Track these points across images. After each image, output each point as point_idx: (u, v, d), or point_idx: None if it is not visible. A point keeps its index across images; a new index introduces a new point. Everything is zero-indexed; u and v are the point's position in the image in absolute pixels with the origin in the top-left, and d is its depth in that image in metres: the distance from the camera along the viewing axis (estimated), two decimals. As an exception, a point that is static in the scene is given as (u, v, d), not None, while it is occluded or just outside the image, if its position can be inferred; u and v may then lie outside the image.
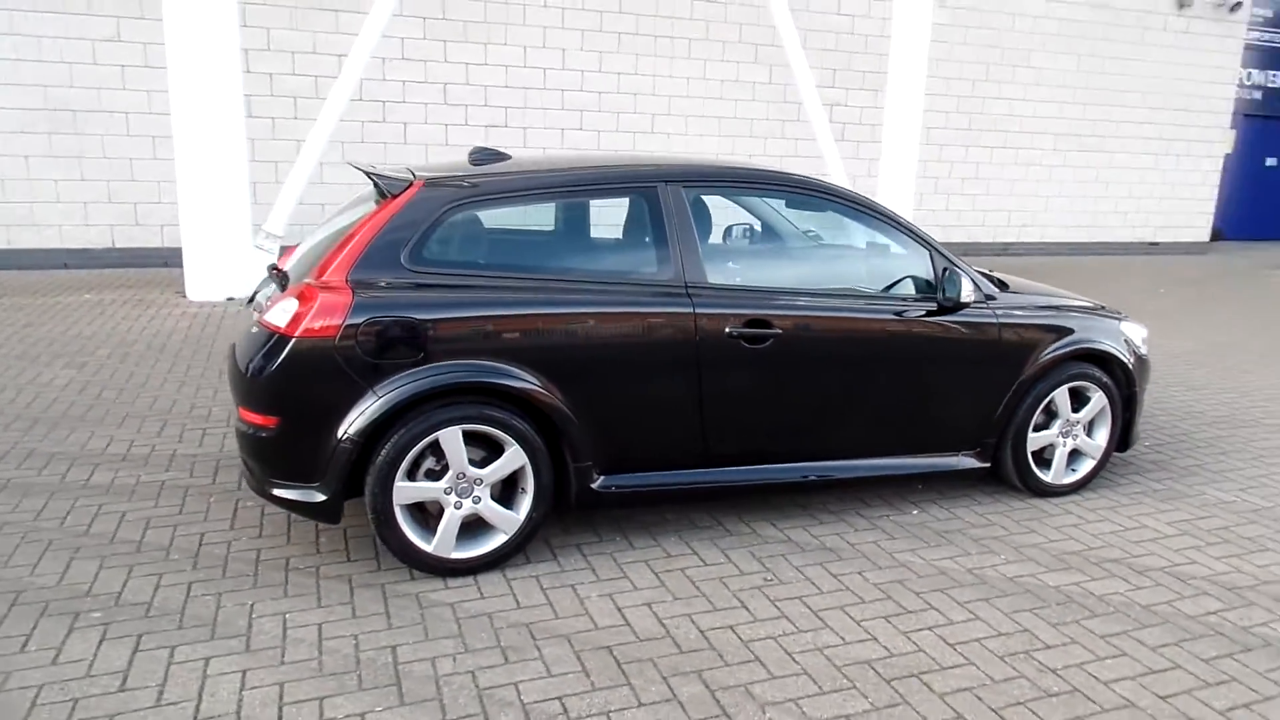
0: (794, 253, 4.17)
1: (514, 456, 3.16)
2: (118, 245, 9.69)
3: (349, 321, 2.95)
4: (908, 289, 3.77)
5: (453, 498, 3.13)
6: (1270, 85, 17.17)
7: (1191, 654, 2.88)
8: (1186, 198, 15.01)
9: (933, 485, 4.20)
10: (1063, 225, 14.05)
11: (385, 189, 3.24)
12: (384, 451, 3.01)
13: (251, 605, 2.98)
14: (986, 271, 4.16)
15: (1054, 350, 3.94)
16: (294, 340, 2.94)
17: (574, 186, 3.42)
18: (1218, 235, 16.13)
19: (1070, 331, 4.00)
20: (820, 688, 2.62)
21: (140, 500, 3.78)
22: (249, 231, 8.22)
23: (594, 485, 3.32)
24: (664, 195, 3.42)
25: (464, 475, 3.12)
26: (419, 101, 10.39)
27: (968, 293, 3.70)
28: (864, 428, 3.71)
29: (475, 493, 3.15)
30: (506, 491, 3.26)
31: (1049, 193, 13.85)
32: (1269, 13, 16.51)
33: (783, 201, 4.01)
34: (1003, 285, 4.08)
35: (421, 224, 3.14)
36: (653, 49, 11.19)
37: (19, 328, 6.68)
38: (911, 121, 9.99)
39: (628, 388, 3.30)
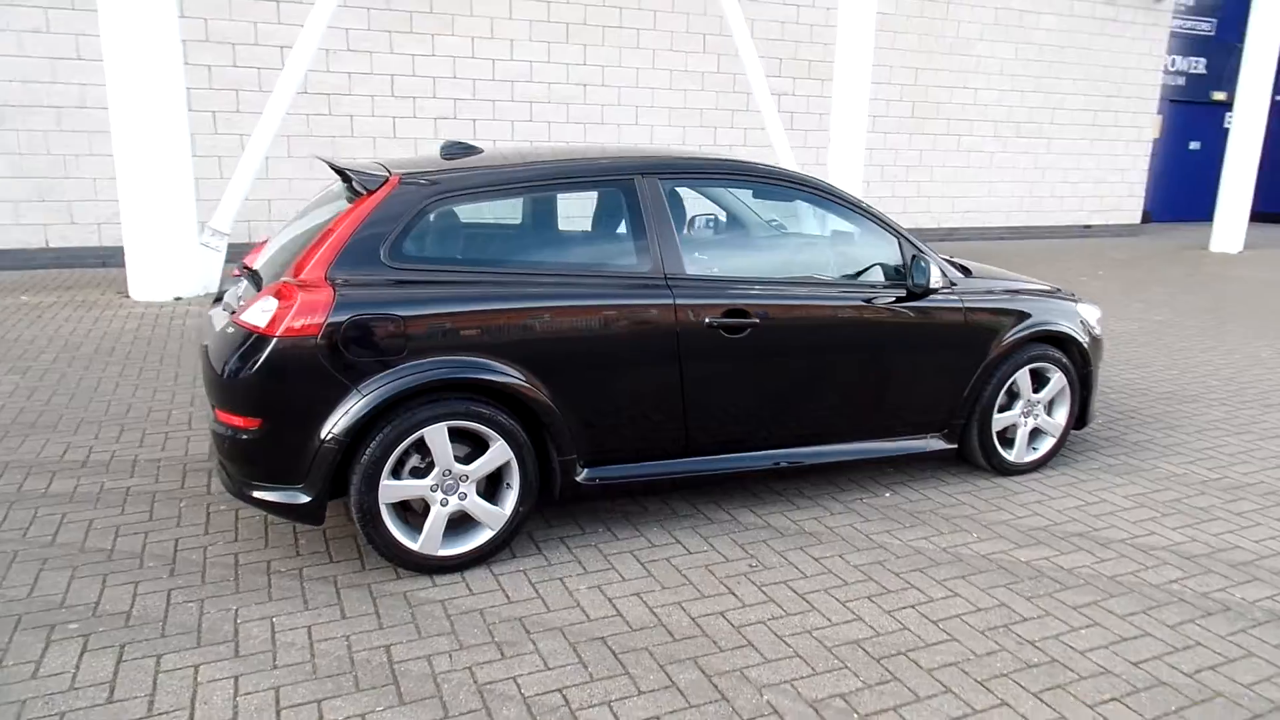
0: (767, 242, 4.22)
1: (499, 452, 3.15)
2: (52, 245, 9.37)
3: (331, 320, 2.92)
4: (877, 276, 3.85)
5: (439, 495, 3.12)
6: (1193, 71, 17.82)
7: (1158, 621, 3.01)
8: (1118, 181, 15.52)
9: (902, 467, 4.30)
10: (1004, 210, 14.42)
11: (361, 184, 3.19)
12: (369, 450, 2.98)
13: (236, 610, 2.93)
14: (948, 258, 4.26)
15: (1016, 333, 4.06)
16: (275, 340, 2.89)
17: (552, 180, 3.41)
18: (1147, 217, 16.72)
19: (1030, 314, 4.13)
20: (813, 669, 2.68)
21: (106, 508, 3.68)
22: (194, 229, 8.01)
23: (579, 478, 3.34)
24: (641, 187, 3.44)
25: (450, 472, 3.11)
26: (365, 94, 10.22)
27: (936, 279, 3.80)
28: (839, 413, 3.79)
29: (461, 489, 3.14)
30: (491, 487, 3.26)
31: (990, 178, 14.19)
32: (1191, 1, 17.11)
33: (752, 192, 4.05)
34: (966, 271, 4.19)
35: (400, 219, 3.11)
36: (601, 39, 11.16)
37: (-44, 333, 6.43)
38: (858, 110, 10.14)
39: (610, 380, 3.32)
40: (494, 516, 3.21)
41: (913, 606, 3.06)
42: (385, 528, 3.06)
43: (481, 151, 3.64)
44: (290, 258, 3.18)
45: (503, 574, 3.21)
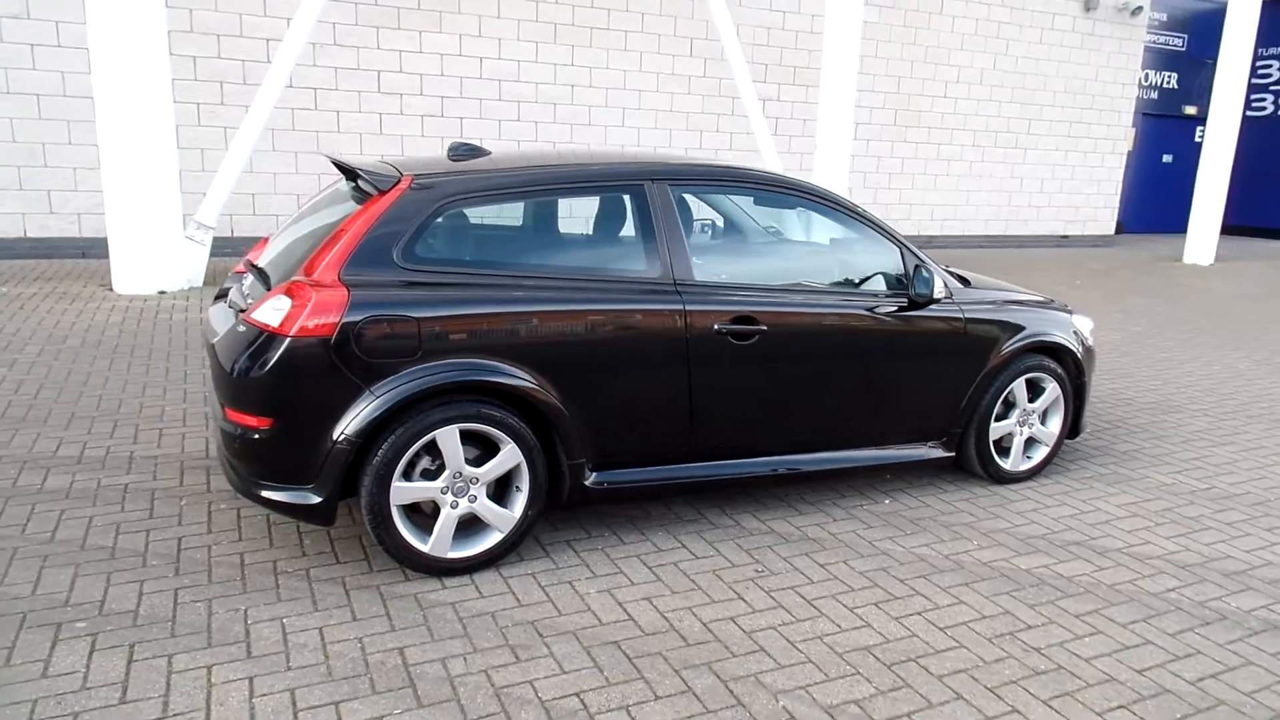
0: (773, 250, 4.25)
1: (510, 455, 3.15)
2: (30, 235, 9.21)
3: (345, 320, 2.90)
4: (879, 285, 3.89)
5: (449, 497, 3.11)
6: (1167, 86, 18.17)
7: (1159, 629, 3.07)
8: (1093, 193, 15.78)
9: (899, 475, 4.35)
10: (982, 219, 14.60)
11: (374, 184, 3.17)
12: (381, 452, 2.97)
13: (245, 611, 2.90)
14: (946, 267, 4.32)
15: (1014, 343, 4.12)
16: (288, 339, 2.87)
17: (564, 184, 3.42)
18: (1120, 228, 17.00)
19: (1026, 325, 4.19)
20: (826, 674, 2.71)
21: (105, 505, 3.63)
22: (179, 222, 7.91)
23: (587, 482, 3.34)
24: (651, 193, 3.46)
25: (460, 475, 3.10)
26: (351, 89, 10.15)
27: (940, 289, 3.84)
28: (841, 421, 3.83)
29: (471, 492, 3.14)
30: (500, 490, 3.26)
31: (969, 187, 14.37)
32: (1164, 17, 17.44)
33: (758, 199, 4.08)
34: (965, 281, 4.25)
35: (414, 221, 3.10)
36: (589, 40, 11.17)
37: (-66, 323, 6.30)
38: (844, 116, 10.23)
39: (620, 384, 3.33)
40: (503, 519, 3.21)
41: (920, 613, 3.10)
42: (396, 529, 3.05)
43: (490, 154, 3.64)
44: (301, 257, 3.16)
45: (512, 577, 3.21)
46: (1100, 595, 3.29)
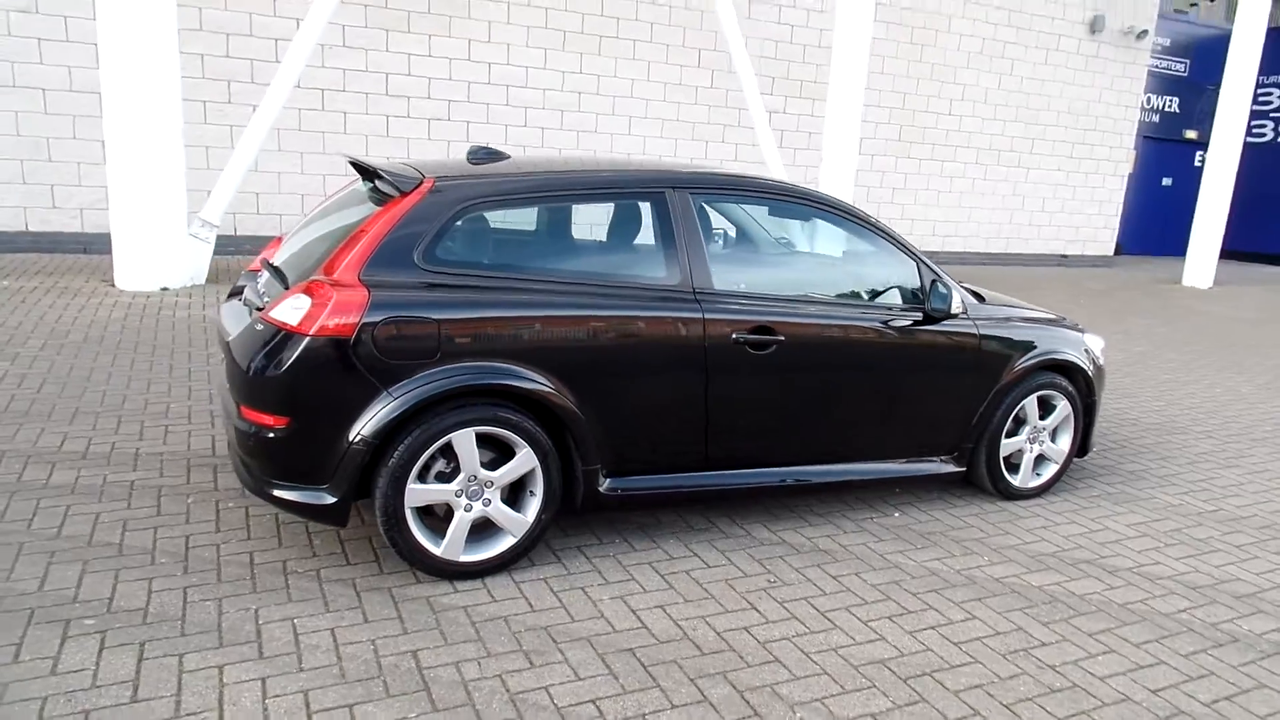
0: (790, 260, 4.25)
1: (525, 459, 3.13)
2: (31, 229, 9.16)
3: (365, 320, 2.88)
4: (895, 299, 3.89)
5: (463, 500, 3.09)
6: (1168, 110, 18.27)
7: (1172, 650, 3.06)
8: (1094, 214, 15.84)
9: (908, 489, 4.34)
10: (983, 236, 14.65)
11: (396, 186, 3.16)
12: (397, 453, 2.95)
13: (256, 610, 2.87)
14: (959, 283, 4.32)
15: (1027, 360, 4.12)
16: (307, 339, 2.85)
17: (585, 190, 3.41)
18: (1119, 250, 17.06)
19: (1039, 342, 4.19)
20: (842, 687, 2.69)
21: (111, 501, 3.60)
22: (184, 219, 7.88)
23: (601, 488, 3.32)
24: (672, 200, 3.45)
25: (475, 478, 3.08)
26: (359, 91, 10.14)
27: (957, 304, 3.84)
28: (855, 433, 3.82)
29: (485, 495, 3.12)
30: (513, 494, 3.24)
31: (971, 204, 14.42)
32: (1167, 41, 17.55)
33: (774, 209, 4.08)
34: (979, 297, 4.25)
35: (435, 223, 3.09)
36: (597, 49, 11.19)
37: (-63, 314, 6.26)
38: (850, 131, 10.25)
39: (636, 391, 3.32)
40: (517, 524, 3.19)
41: (933, 628, 3.08)
42: (409, 532, 3.02)
43: (509, 158, 3.63)
44: (320, 256, 3.14)
45: (524, 581, 3.19)
46: (1112, 614, 3.28)
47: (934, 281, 3.85)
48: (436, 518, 3.15)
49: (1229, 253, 17.32)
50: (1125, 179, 16.21)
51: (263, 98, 8.27)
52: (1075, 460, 4.74)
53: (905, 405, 3.89)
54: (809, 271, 4.10)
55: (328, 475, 2.95)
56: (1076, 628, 3.16)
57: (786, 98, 12.51)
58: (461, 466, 3.06)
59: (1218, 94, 13.77)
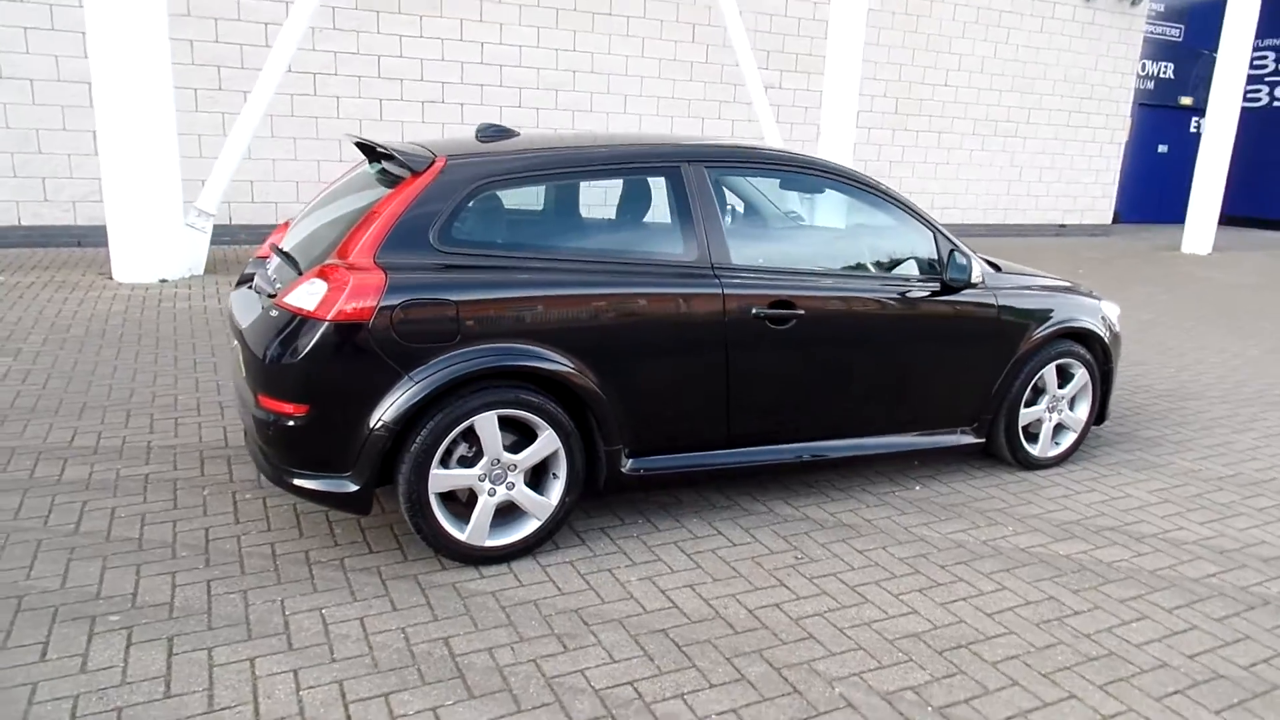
0: (806, 234, 4.20)
1: (548, 441, 3.09)
2: (24, 223, 9.04)
3: (383, 303, 2.83)
4: (912, 270, 3.84)
5: (486, 484, 3.05)
6: (1163, 76, 18.17)
7: (1205, 615, 3.05)
8: (1091, 182, 15.78)
9: (927, 461, 4.31)
10: (981, 208, 14.59)
11: (408, 165, 3.10)
12: (419, 439, 2.90)
13: (282, 602, 2.84)
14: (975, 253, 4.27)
15: (1045, 329, 4.09)
16: (325, 324, 2.80)
17: (600, 165, 3.35)
18: (1116, 218, 17.02)
19: (1058, 310, 4.16)
20: (879, 661, 2.67)
21: (126, 496, 3.55)
22: (180, 209, 7.78)
23: (624, 469, 3.29)
24: (688, 175, 3.39)
25: (498, 461, 3.04)
26: (351, 74, 10.01)
27: (978, 274, 3.80)
28: (876, 406, 3.78)
29: (509, 479, 3.08)
30: (536, 477, 3.20)
31: (969, 176, 14.34)
32: (1162, 7, 17.44)
33: (785, 182, 4.02)
34: (995, 266, 4.21)
35: (449, 202, 3.03)
36: (590, 25, 11.06)
37: (-66, 312, 6.18)
38: (848, 105, 10.16)
39: (657, 369, 3.27)
40: (541, 507, 3.15)
41: (965, 599, 3.06)
42: (434, 517, 2.98)
43: (518, 135, 3.57)
44: (332, 240, 3.08)
45: (550, 565, 3.15)
46: (1142, 581, 3.26)
47: (952, 251, 3.80)
48: (459, 503, 3.11)
49: (1226, 218, 17.31)
50: (1122, 147, 16.15)
51: (254, 83, 8.15)
52: (1092, 428, 4.71)
53: (925, 377, 3.85)
54: (826, 244, 4.04)
55: (349, 463, 2.91)
56: (1107, 595, 3.14)
57: (782, 72, 12.40)
58: (484, 450, 3.02)
59: (1213, 59, 13.69)
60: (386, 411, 2.86)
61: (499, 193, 3.23)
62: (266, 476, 3.09)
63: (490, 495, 3.06)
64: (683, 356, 3.30)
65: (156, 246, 7.59)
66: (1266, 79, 19.02)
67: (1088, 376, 4.29)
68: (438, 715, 2.33)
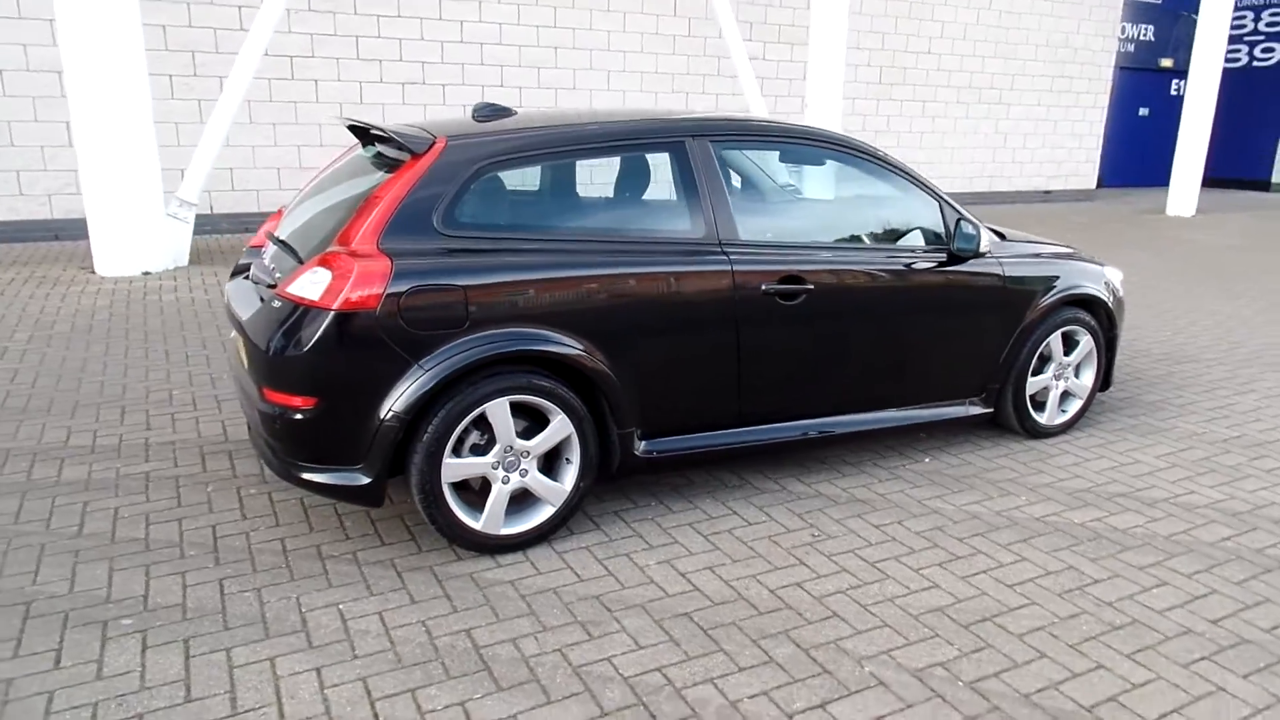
0: (812, 207, 4.15)
1: (561, 426, 3.04)
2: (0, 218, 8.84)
3: (390, 290, 2.76)
4: (918, 240, 3.80)
5: (500, 472, 3.00)
6: (1143, 39, 18.15)
7: (1224, 579, 3.05)
8: (1075, 147, 15.79)
9: (935, 433, 4.29)
10: (967, 176, 14.56)
11: (408, 147, 3.01)
12: (431, 428, 2.84)
13: (297, 598, 2.78)
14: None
15: (1050, 296, 4.06)
16: (331, 313, 2.72)
17: (603, 142, 3.27)
18: (1099, 183, 17.05)
19: (1063, 277, 4.13)
20: (906, 638, 2.65)
21: (128, 495, 3.47)
22: (160, 199, 7.63)
23: (637, 451, 3.24)
24: (692, 150, 3.33)
25: (511, 448, 2.99)
26: (330, 56, 9.83)
27: (985, 243, 3.76)
28: (886, 379, 3.75)
29: (522, 466, 3.03)
30: (548, 462, 3.15)
31: (953, 144, 14.31)
32: (1140, -32, 17.38)
33: (786, 154, 3.96)
34: (1000, 235, 4.17)
35: (452, 184, 2.95)
36: (571, 1, 10.89)
37: (-86, 312, 6.03)
38: (834, 75, 10.07)
39: (668, 349, 3.22)
40: (555, 493, 3.11)
41: (985, 572, 3.05)
42: (448, 507, 2.93)
43: (515, 113, 3.48)
44: (333, 227, 3.01)
45: (566, 551, 3.11)
46: (1159, 547, 3.26)
47: (959, 221, 3.76)
48: (472, 492, 3.06)
49: (1209, 180, 17.37)
50: (1104, 111, 16.14)
51: (229, 68, 7.98)
52: (1097, 395, 4.70)
53: (934, 348, 3.82)
54: (833, 216, 3.99)
55: (360, 455, 2.85)
56: (1126, 562, 3.14)
57: (765, 44, 12.28)
58: (497, 438, 2.96)
59: (1193, 21, 13.66)
60: (397, 401, 2.80)
61: (502, 173, 3.15)
62: (273, 471, 3.03)
63: (504, 483, 3.01)
64: (693, 335, 3.25)
65: (138, 238, 7.45)
66: (1246, 38, 19.04)
67: (1093, 343, 4.27)
68: (467, 710, 2.29)
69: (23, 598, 2.76)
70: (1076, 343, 4.25)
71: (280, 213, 3.74)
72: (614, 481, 3.49)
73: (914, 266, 3.70)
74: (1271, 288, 8.36)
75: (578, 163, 3.41)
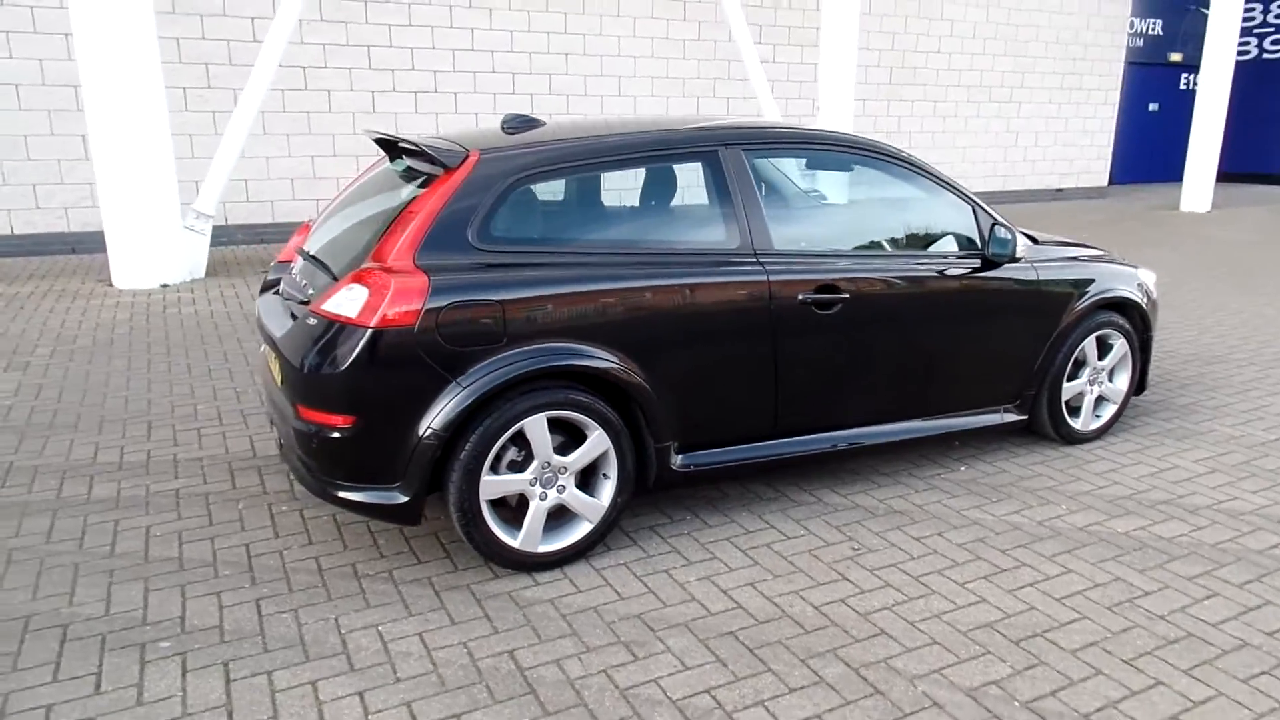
0: (844, 214, 4.10)
1: (598, 441, 3.00)
2: (16, 231, 8.86)
3: (428, 306, 2.72)
4: (951, 246, 3.75)
5: (537, 488, 2.96)
6: (1151, 33, 18.05)
7: (1275, 589, 2.99)
8: (1087, 145, 15.70)
9: (967, 441, 4.24)
10: (979, 175, 14.48)
11: (441, 161, 2.98)
12: (470, 445, 2.80)
13: (336, 619, 2.75)
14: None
15: (1085, 300, 4.01)
16: (369, 330, 2.69)
17: (636, 153, 3.23)
18: (1110, 179, 16.94)
19: (1097, 280, 4.08)
20: (956, 655, 2.60)
21: (159, 513, 3.45)
22: (177, 211, 7.62)
23: (674, 465, 3.20)
24: (726, 159, 3.29)
25: (549, 464, 2.95)
26: (342, 66, 9.82)
27: (1022, 248, 3.71)
28: (924, 388, 3.70)
29: (560, 482, 2.99)
30: (584, 478, 3.10)
31: (965, 144, 14.24)
32: (1149, -37, 17.28)
33: (822, 162, 3.92)
34: (1032, 238, 4.12)
35: (487, 198, 2.92)
36: (581, 7, 10.87)
37: (-65, 328, 6.03)
38: (846, 77, 10.03)
39: (705, 361, 3.18)
40: (592, 509, 3.07)
41: (1032, 585, 2.99)
42: (486, 525, 2.89)
43: (544, 124, 3.45)
44: (367, 242, 2.97)
45: (604, 568, 3.07)
46: (1206, 556, 3.20)
47: (994, 225, 3.71)
48: (509, 509, 3.02)
49: (1221, 174, 17.26)
50: (1115, 108, 16.04)
51: (244, 80, 7.97)
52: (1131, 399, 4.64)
53: (970, 355, 3.77)
54: (866, 223, 3.93)
55: (398, 473, 2.81)
56: (1174, 573, 3.08)
57: (775, 46, 12.23)
58: (535, 454, 2.92)
59: (1201, 14, 13.57)
60: (435, 419, 2.76)
61: (536, 186, 3.12)
62: (308, 489, 2.99)
63: (541, 499, 2.97)
64: (730, 347, 3.21)
65: (156, 251, 7.44)
66: (1255, 30, 18.92)
67: (1127, 347, 4.22)
68: (516, 735, 2.25)
69: (60, 620, 2.73)
70: (1111, 347, 4.20)
71: (308, 227, 3.71)
72: (646, 495, 3.45)
73: (948, 273, 3.65)
74: (1295, 285, 8.28)
75: (611, 174, 3.36)
